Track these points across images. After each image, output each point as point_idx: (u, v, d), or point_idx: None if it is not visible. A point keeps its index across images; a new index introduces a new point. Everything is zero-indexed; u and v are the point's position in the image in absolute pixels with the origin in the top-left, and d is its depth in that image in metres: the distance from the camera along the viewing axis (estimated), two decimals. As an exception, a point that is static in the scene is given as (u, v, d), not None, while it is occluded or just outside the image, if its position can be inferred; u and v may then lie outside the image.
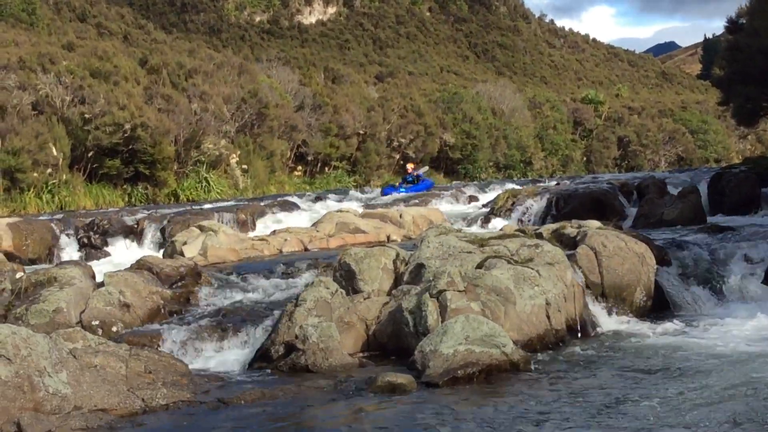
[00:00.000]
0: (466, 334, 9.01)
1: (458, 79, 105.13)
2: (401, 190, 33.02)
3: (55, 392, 7.90)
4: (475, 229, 21.17)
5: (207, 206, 27.28)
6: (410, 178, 34.90)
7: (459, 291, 10.12)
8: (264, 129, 43.37)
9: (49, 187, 31.24)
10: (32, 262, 19.36)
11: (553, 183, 30.62)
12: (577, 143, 76.42)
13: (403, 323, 10.20)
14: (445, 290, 10.06)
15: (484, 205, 25.84)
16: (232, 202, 30.00)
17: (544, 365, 9.41)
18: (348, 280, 11.79)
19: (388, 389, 8.41)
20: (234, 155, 39.78)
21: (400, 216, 20.97)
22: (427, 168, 38.48)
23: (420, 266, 11.60)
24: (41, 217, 24.28)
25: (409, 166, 37.19)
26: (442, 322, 9.66)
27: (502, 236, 12.87)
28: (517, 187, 28.87)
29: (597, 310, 11.67)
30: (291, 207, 26.90)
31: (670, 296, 12.28)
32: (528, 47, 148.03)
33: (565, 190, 23.16)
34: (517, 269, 10.90)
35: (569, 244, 12.80)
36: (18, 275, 12.87)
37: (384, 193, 32.64)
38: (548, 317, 10.57)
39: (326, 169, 48.58)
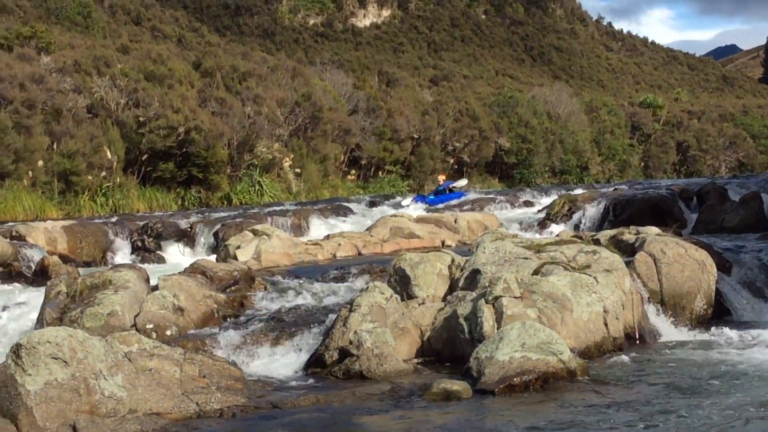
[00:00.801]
0: (522, 341, 8.97)
1: (514, 82, 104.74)
2: (429, 199, 32.72)
3: (111, 395, 7.99)
4: (530, 234, 21.08)
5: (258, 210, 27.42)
6: (441, 189, 34.28)
7: (515, 297, 10.09)
8: (317, 132, 43.51)
9: (103, 190, 31.59)
10: (86, 264, 19.61)
11: (611, 188, 30.38)
12: (635, 148, 75.78)
13: (458, 329, 10.18)
14: (501, 296, 10.03)
15: (539, 211, 25.73)
16: (285, 206, 30.12)
17: (602, 373, 9.35)
18: (403, 285, 11.80)
19: (443, 396, 8.40)
20: (287, 159, 39.97)
21: (455, 221, 20.95)
22: (465, 181, 37.39)
23: (475, 272, 11.57)
24: (95, 220, 24.54)
25: (440, 178, 36.97)
26: (497, 328, 9.63)
27: (559, 242, 12.80)
28: (574, 192, 28.69)
29: (656, 318, 11.57)
30: (345, 211, 26.99)
31: (731, 304, 12.16)
32: (585, 50, 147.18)
33: (623, 196, 23.00)
34: (574, 276, 10.83)
35: (627, 250, 12.71)
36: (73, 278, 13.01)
37: (415, 200, 32.49)
38: (606, 325, 10.50)
39: (380, 173, 48.63)
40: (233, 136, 37.31)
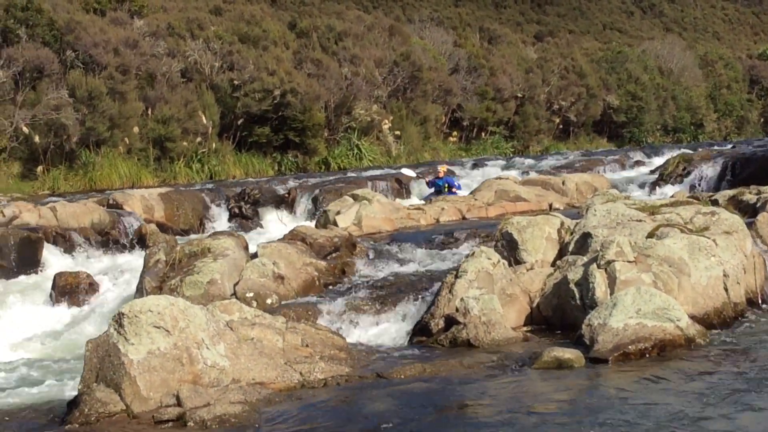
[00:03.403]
0: (637, 307, 8.88)
1: (623, 36, 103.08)
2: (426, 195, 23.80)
3: (213, 365, 8.13)
4: (642, 195, 20.82)
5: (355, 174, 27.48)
6: (440, 184, 22.96)
7: (629, 261, 9.98)
8: (417, 93, 43.39)
9: (198, 156, 31.95)
10: (184, 232, 19.92)
11: (728, 146, 29.78)
12: (754, 103, 74.00)
13: (569, 296, 10.12)
14: (613, 261, 9.93)
15: (652, 171, 25.37)
16: (385, 170, 30.18)
17: (722, 341, 9.21)
18: (510, 250, 11.76)
19: (555, 365, 8.36)
20: (386, 121, 39.91)
21: (563, 183, 20.79)
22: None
23: (586, 235, 11.46)
24: (191, 187, 24.90)
25: (441, 169, 24.18)
26: (610, 294, 9.55)
27: (675, 203, 12.61)
28: (689, 151, 28.22)
29: (780, 282, 11.35)
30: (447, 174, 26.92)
31: None
32: (699, 0, 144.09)
33: (742, 154, 22.57)
34: (691, 238, 10.66)
35: (748, 211, 12.50)
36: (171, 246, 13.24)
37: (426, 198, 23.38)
38: (726, 290, 10.33)
39: (482, 134, 48.28)
40: (330, 98, 37.39)
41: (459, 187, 22.23)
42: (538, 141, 50.60)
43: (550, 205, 18.88)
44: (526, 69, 53.08)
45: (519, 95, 50.05)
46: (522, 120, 49.87)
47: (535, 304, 10.61)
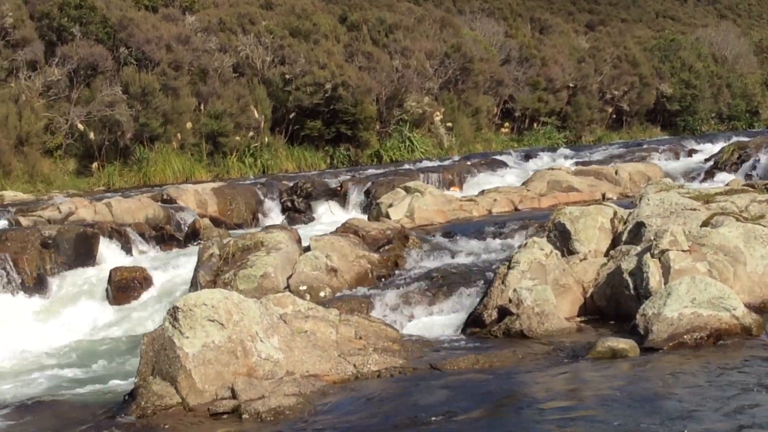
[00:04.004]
0: (692, 297, 8.81)
1: (676, 24, 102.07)
2: None
3: (268, 357, 8.18)
4: (696, 184, 20.65)
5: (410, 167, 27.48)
6: None
7: (683, 251, 9.90)
8: (469, 85, 43.32)
9: (251, 151, 32.11)
10: (237, 226, 20.07)
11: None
12: (810, 90, 73.14)
13: (623, 285, 10.07)
14: (667, 250, 9.86)
15: (706, 160, 25.14)
16: (437, 162, 30.19)
17: (780, 330, 9.12)
18: (562, 240, 11.72)
19: (609, 355, 8.32)
20: (438, 113, 39.86)
21: (616, 173, 20.66)
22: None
23: (640, 225, 11.39)
24: (244, 182, 25.04)
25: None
26: (664, 284, 9.49)
27: (729, 192, 12.51)
28: (744, 138, 27.92)
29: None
30: (499, 165, 26.89)
31: None
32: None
33: (799, 141, 22.30)
34: (747, 227, 10.56)
35: (805, 199, 12.33)
36: (225, 240, 13.35)
37: None
38: (782, 278, 10.22)
39: (534, 125, 48.08)
40: (381, 90, 37.41)
41: None
42: (591, 131, 50.31)
43: (603, 195, 18.78)
44: (578, 58, 52.78)
45: (571, 85, 49.78)
46: (574, 110, 49.63)
47: (588, 295, 10.56)
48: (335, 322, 9.08)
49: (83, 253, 15.21)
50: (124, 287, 13.51)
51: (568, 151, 31.90)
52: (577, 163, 25.33)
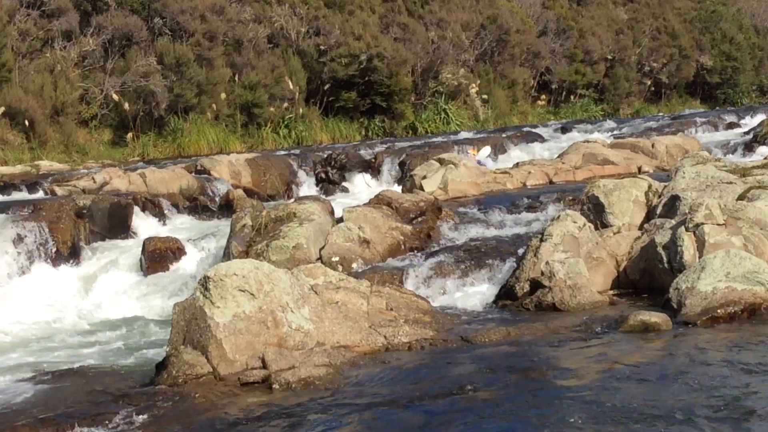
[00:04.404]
0: (726, 271, 8.76)
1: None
2: None
3: (298, 328, 8.22)
4: (735, 158, 20.46)
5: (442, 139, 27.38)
6: None
7: (718, 224, 9.83)
8: (505, 56, 43.09)
9: (285, 122, 32.12)
10: (270, 198, 20.09)
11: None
12: None
13: (656, 259, 10.02)
14: (702, 223, 9.79)
15: (746, 133, 24.90)
16: (472, 134, 30.09)
17: (815, 305, 9.04)
18: (596, 213, 11.68)
19: (641, 329, 8.30)
20: (473, 85, 39.70)
21: (652, 146, 20.51)
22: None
23: (674, 198, 11.33)
24: (278, 153, 25.07)
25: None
26: (699, 257, 9.43)
27: (767, 165, 12.40)
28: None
29: None
30: (535, 138, 26.79)
31: None
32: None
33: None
34: (784, 201, 10.48)
35: (844, 173, 12.21)
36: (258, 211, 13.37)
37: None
38: (819, 253, 10.13)
39: (571, 97, 47.80)
40: (417, 62, 37.29)
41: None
42: (629, 104, 49.91)
43: (639, 168, 18.64)
44: (617, 30, 52.33)
45: (609, 57, 49.39)
46: (612, 82, 49.26)
47: (621, 268, 10.51)
48: (366, 294, 9.09)
49: (117, 223, 15.30)
50: (158, 257, 13.57)
51: (613, 124, 31.66)
52: (616, 137, 25.16)
